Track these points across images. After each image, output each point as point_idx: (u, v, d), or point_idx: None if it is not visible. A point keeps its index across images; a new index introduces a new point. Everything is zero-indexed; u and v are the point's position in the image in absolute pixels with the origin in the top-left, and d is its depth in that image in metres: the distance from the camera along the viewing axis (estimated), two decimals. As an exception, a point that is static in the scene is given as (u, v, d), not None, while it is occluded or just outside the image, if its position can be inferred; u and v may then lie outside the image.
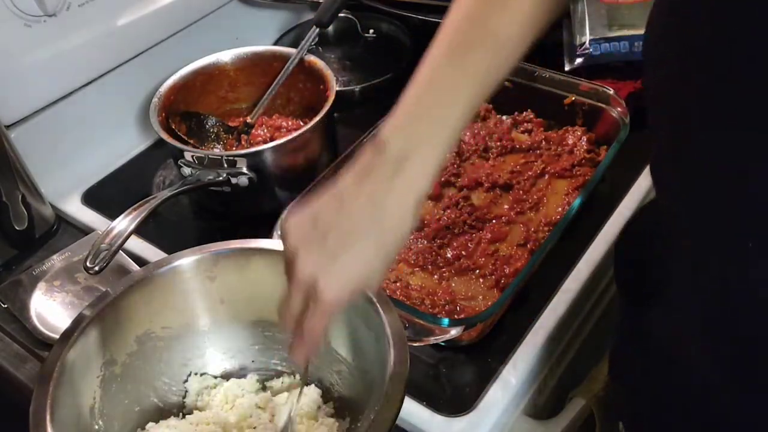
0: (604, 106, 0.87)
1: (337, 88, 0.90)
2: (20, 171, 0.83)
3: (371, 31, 1.15)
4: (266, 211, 0.77)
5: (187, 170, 0.85)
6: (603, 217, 0.82)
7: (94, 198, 0.94)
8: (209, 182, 0.84)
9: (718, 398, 0.48)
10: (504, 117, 0.94)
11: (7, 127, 0.85)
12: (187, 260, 0.65)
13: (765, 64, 0.35)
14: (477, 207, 0.82)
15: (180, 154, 0.84)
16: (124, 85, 0.98)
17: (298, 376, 0.68)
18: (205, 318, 0.67)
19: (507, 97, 0.91)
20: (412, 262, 0.77)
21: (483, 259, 0.76)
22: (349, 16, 1.14)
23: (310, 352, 0.52)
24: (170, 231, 0.89)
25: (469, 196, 0.84)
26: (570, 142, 0.88)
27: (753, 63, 0.35)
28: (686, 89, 0.40)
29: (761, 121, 0.36)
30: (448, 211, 0.82)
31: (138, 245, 0.84)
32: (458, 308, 0.72)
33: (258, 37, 1.15)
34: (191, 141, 0.91)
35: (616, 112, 0.86)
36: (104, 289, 0.63)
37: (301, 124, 0.96)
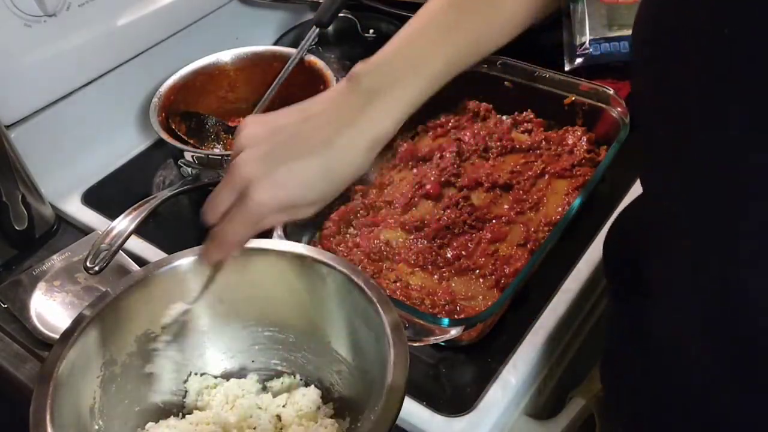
0: (604, 106, 0.87)
1: (337, 88, 0.90)
2: (20, 171, 0.83)
3: (371, 31, 1.15)
4: (266, 211, 0.77)
5: (187, 170, 0.85)
6: (603, 217, 0.82)
7: (94, 198, 0.94)
8: (209, 182, 0.84)
9: (718, 398, 0.48)
10: (504, 117, 0.94)
11: (7, 127, 0.85)
12: (187, 260, 0.64)
13: (765, 63, 0.35)
14: (477, 207, 0.83)
15: (180, 154, 0.84)
16: (124, 85, 0.98)
17: (298, 376, 0.68)
18: (204, 318, 0.67)
19: (507, 97, 0.92)
20: (412, 262, 0.77)
21: (483, 259, 0.76)
22: (349, 16, 1.14)
23: (222, 254, 0.52)
24: (170, 231, 0.89)
25: (469, 196, 0.84)
26: (570, 142, 0.88)
27: (753, 63, 0.35)
28: (686, 89, 0.40)
29: (761, 121, 0.36)
30: (448, 211, 0.82)
31: (138, 245, 0.84)
32: (458, 308, 0.72)
33: (258, 37, 1.15)
34: (191, 141, 0.91)
35: (616, 112, 0.86)
36: (104, 289, 0.63)
37: (301, 124, 0.96)
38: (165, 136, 0.86)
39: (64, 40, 0.88)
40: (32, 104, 0.88)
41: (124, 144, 1.01)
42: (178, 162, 0.85)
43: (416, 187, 0.85)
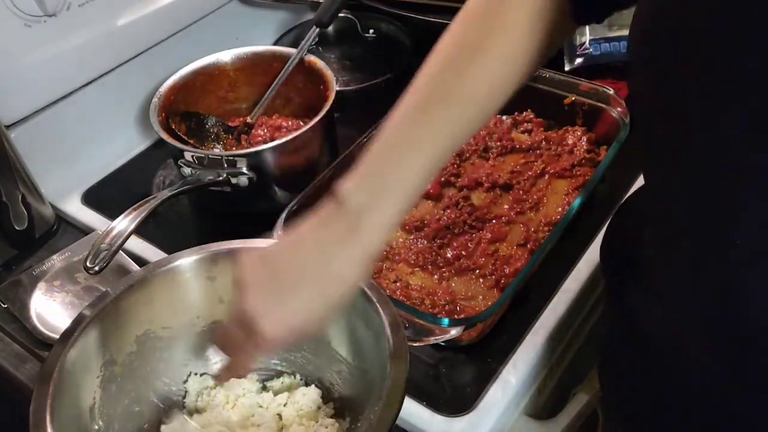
0: (604, 106, 0.87)
1: (337, 88, 0.90)
2: (20, 171, 0.83)
3: (371, 31, 1.15)
4: (266, 211, 0.77)
5: (187, 170, 0.85)
6: (603, 217, 0.82)
7: (94, 198, 0.94)
8: (209, 182, 0.84)
9: (718, 398, 0.48)
10: (504, 117, 0.94)
11: (7, 127, 0.85)
12: (187, 260, 0.65)
13: (765, 63, 0.35)
14: (477, 207, 0.83)
15: (180, 154, 0.84)
16: (124, 85, 0.98)
17: (298, 376, 0.68)
18: (204, 318, 0.67)
19: (507, 97, 0.91)
20: (412, 262, 0.77)
21: (483, 259, 0.76)
22: (349, 16, 1.14)
23: (240, 374, 0.59)
24: (170, 231, 0.89)
25: (469, 196, 0.84)
26: (570, 142, 0.88)
27: (753, 63, 0.35)
28: (686, 89, 0.40)
29: (761, 121, 0.36)
30: (448, 211, 0.82)
31: (138, 245, 0.84)
32: (458, 308, 0.72)
33: (258, 37, 1.15)
34: (191, 141, 0.91)
35: (616, 112, 0.86)
36: (104, 289, 0.63)
37: (301, 124, 0.96)
38: (165, 136, 0.85)
39: (64, 40, 0.88)
40: (32, 104, 0.88)
41: (124, 144, 1.01)
42: (178, 162, 0.85)
43: (416, 187, 0.85)
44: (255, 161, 0.83)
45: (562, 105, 0.91)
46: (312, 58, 0.95)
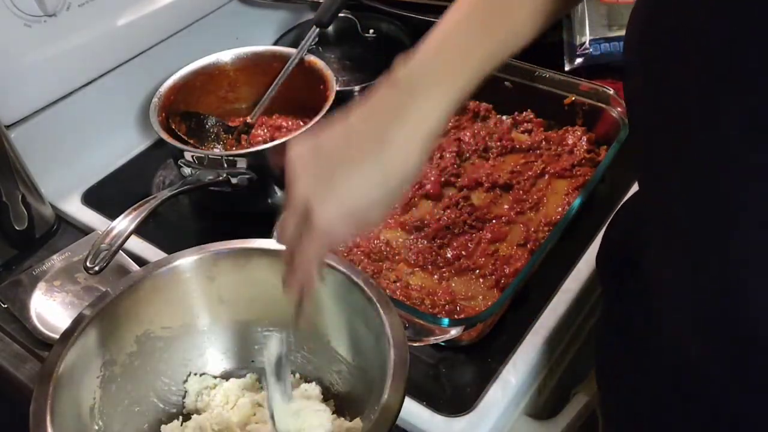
0: (604, 106, 0.87)
1: (337, 88, 0.90)
2: (20, 171, 0.83)
3: (371, 31, 1.15)
4: (266, 211, 0.77)
5: (187, 170, 0.85)
6: (603, 217, 0.82)
7: (94, 198, 0.94)
8: (209, 182, 0.84)
9: (718, 398, 0.48)
10: (504, 117, 0.94)
11: (7, 127, 0.85)
12: (187, 260, 0.65)
13: (765, 63, 0.35)
14: (477, 207, 0.82)
15: (180, 154, 0.84)
16: (124, 85, 0.98)
17: (298, 375, 0.68)
18: (204, 318, 0.67)
19: (507, 97, 0.92)
20: (412, 262, 0.77)
21: (483, 259, 0.76)
22: (349, 16, 1.14)
23: (303, 283, 0.51)
24: (170, 231, 0.89)
25: (469, 196, 0.84)
26: (570, 142, 0.88)
27: (753, 63, 0.35)
28: (686, 89, 0.40)
29: (761, 121, 0.36)
30: (448, 211, 0.82)
31: (138, 245, 0.84)
32: (458, 308, 0.72)
33: (258, 37, 1.15)
34: (191, 141, 0.91)
35: (616, 112, 0.86)
36: (104, 289, 0.63)
37: (301, 124, 0.96)
38: (165, 136, 0.85)
39: (64, 40, 0.88)
40: (32, 104, 0.88)
41: (124, 144, 1.01)
42: (178, 162, 0.85)
43: (416, 187, 0.85)
44: (255, 161, 0.83)
45: (562, 105, 0.90)
46: (312, 58, 0.95)
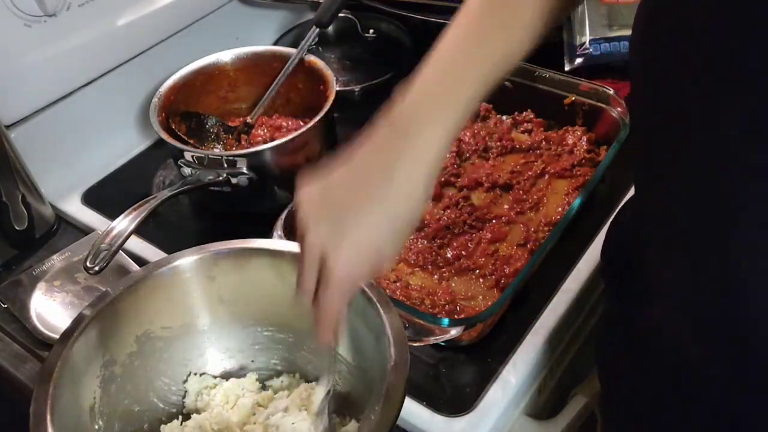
0: (604, 106, 0.87)
1: (337, 88, 0.90)
2: (20, 171, 0.83)
3: (371, 31, 1.15)
4: (266, 211, 0.77)
5: (187, 170, 0.85)
6: (603, 217, 0.82)
7: (94, 198, 0.94)
8: (209, 182, 0.84)
9: (718, 398, 0.48)
10: (504, 117, 0.94)
11: (7, 127, 0.85)
12: (187, 260, 0.64)
13: (765, 63, 0.35)
14: (477, 207, 0.83)
15: (180, 154, 0.84)
16: (124, 85, 0.98)
17: (298, 375, 0.68)
18: (204, 318, 0.67)
19: (507, 97, 0.91)
20: (412, 262, 0.77)
21: (483, 259, 0.76)
22: (349, 16, 1.14)
23: (331, 331, 0.52)
24: (170, 231, 0.89)
25: (469, 196, 0.84)
26: (570, 142, 0.88)
27: (753, 63, 0.35)
28: (686, 89, 0.40)
29: (761, 121, 0.36)
30: (448, 211, 0.82)
31: (138, 245, 0.84)
32: (458, 308, 0.72)
33: (258, 37, 1.15)
34: (191, 141, 0.91)
35: (616, 112, 0.86)
36: (104, 289, 0.63)
37: (301, 124, 0.96)
38: (165, 136, 0.86)
39: (64, 40, 0.88)
40: (32, 104, 0.88)
41: (124, 144, 1.01)
42: (178, 162, 0.85)
43: (416, 187, 0.85)
44: (255, 161, 0.83)
45: (562, 105, 0.91)
46: (312, 58, 0.96)
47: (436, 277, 0.76)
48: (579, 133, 0.89)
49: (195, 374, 0.67)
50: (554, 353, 0.75)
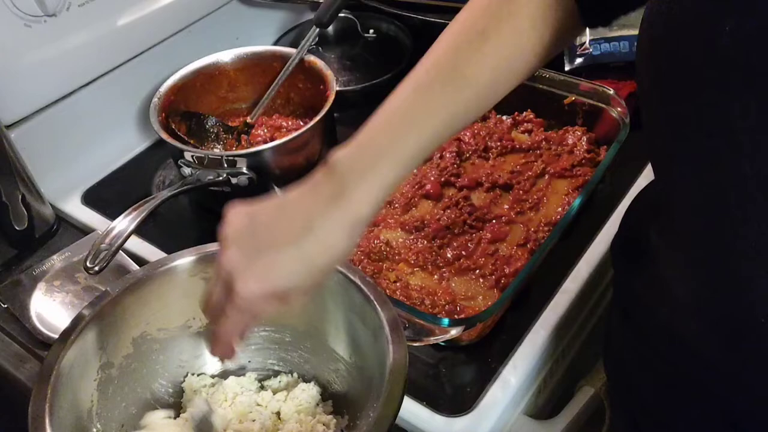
0: (604, 106, 0.87)
1: (337, 88, 0.90)
2: (20, 171, 0.83)
3: (371, 31, 1.15)
4: (266, 211, 0.77)
5: (187, 170, 0.85)
6: (603, 217, 0.82)
7: (94, 198, 0.94)
8: (209, 182, 0.84)
9: (722, 391, 0.48)
10: (504, 117, 0.94)
11: (7, 127, 0.85)
12: (184, 261, 0.64)
13: (765, 63, 0.35)
14: (477, 207, 0.82)
15: (180, 154, 0.84)
16: (124, 85, 0.98)
17: (296, 374, 0.68)
18: (201, 319, 0.67)
19: (507, 97, 0.91)
20: (412, 262, 0.77)
21: (483, 259, 0.76)
22: (349, 16, 1.14)
23: (226, 351, 0.54)
24: (170, 231, 0.89)
25: (469, 196, 0.84)
26: (570, 142, 0.88)
27: (755, 61, 0.35)
28: (689, 87, 0.40)
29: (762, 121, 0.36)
30: (448, 211, 0.81)
31: (138, 245, 0.84)
32: (458, 308, 0.72)
33: (258, 37, 1.15)
34: (191, 141, 0.91)
35: (616, 112, 0.86)
36: (104, 289, 0.63)
37: (301, 124, 0.96)
38: (165, 136, 0.86)
39: (64, 40, 0.88)
40: (32, 104, 0.88)
41: (124, 144, 1.01)
42: (178, 162, 0.85)
43: (416, 187, 0.85)
44: (255, 161, 0.83)
45: (562, 105, 0.90)
46: (312, 58, 0.96)
47: (436, 277, 0.76)
48: (579, 133, 0.89)
49: (192, 374, 0.67)
50: (554, 353, 0.74)
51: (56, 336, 0.61)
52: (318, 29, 0.97)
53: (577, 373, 0.80)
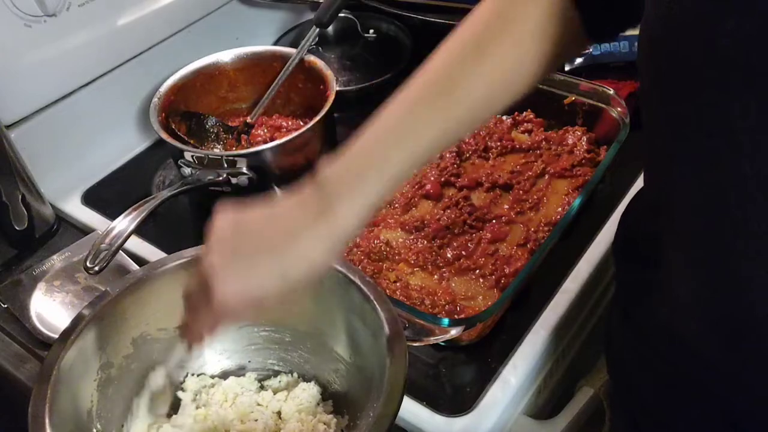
0: (604, 106, 0.87)
1: (337, 88, 0.90)
2: (20, 171, 0.83)
3: (371, 31, 1.15)
4: (266, 211, 0.77)
5: (187, 170, 0.85)
6: (603, 217, 0.82)
7: (94, 198, 0.94)
8: (209, 182, 0.84)
9: (722, 391, 0.48)
10: (504, 117, 0.94)
11: (7, 127, 0.85)
12: (185, 260, 0.64)
13: (766, 63, 0.35)
14: (477, 207, 0.82)
15: (180, 154, 0.84)
16: (124, 85, 0.98)
17: (296, 374, 0.68)
18: (203, 318, 0.67)
19: (507, 97, 0.91)
20: (412, 262, 0.77)
21: (483, 259, 0.76)
22: (349, 16, 1.14)
23: (196, 341, 0.55)
24: (170, 231, 0.89)
25: (469, 196, 0.84)
26: (570, 142, 0.88)
27: (755, 60, 0.35)
28: (689, 87, 0.40)
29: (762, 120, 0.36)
30: (448, 211, 0.81)
31: (138, 245, 0.84)
32: (458, 308, 0.72)
33: (258, 37, 1.15)
34: (191, 141, 0.91)
35: (616, 112, 0.86)
36: (104, 289, 0.63)
37: (301, 124, 0.96)
38: (165, 136, 0.86)
39: (64, 40, 0.88)
40: (32, 104, 0.88)
41: (124, 144, 1.01)
42: (178, 162, 0.85)
43: (416, 187, 0.85)
44: (255, 161, 0.83)
45: (562, 105, 0.90)
46: (312, 58, 0.96)
47: (436, 277, 0.76)
48: (579, 133, 0.89)
49: (192, 374, 0.67)
50: (554, 353, 0.74)
51: (56, 336, 0.61)
52: (318, 29, 0.97)
53: (577, 373, 0.80)
